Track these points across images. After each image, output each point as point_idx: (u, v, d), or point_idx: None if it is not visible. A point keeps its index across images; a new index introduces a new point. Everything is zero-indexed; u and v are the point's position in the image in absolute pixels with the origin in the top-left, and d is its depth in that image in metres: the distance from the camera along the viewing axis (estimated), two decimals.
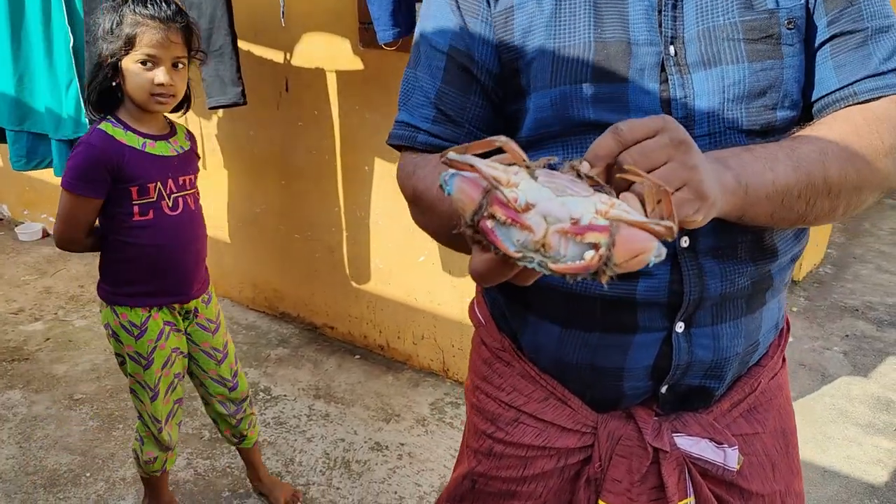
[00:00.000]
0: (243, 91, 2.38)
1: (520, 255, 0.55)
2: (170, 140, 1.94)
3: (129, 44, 1.78)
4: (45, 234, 4.20)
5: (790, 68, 0.91)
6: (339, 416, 2.80)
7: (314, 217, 3.16)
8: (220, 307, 2.19)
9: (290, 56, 2.97)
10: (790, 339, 3.37)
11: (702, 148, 0.80)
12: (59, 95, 2.50)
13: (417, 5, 2.05)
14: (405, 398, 2.91)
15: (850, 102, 0.92)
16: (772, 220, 0.85)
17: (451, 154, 0.59)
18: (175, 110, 1.94)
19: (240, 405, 2.20)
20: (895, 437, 2.68)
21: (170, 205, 1.91)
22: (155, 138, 1.90)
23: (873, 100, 0.91)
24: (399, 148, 1.04)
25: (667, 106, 0.90)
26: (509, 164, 0.60)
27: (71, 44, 2.44)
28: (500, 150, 0.62)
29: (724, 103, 0.90)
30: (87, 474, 2.49)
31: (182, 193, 1.94)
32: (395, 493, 2.41)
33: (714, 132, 0.90)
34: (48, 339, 3.29)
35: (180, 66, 1.84)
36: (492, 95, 0.98)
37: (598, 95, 0.91)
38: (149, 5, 1.80)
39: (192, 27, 1.86)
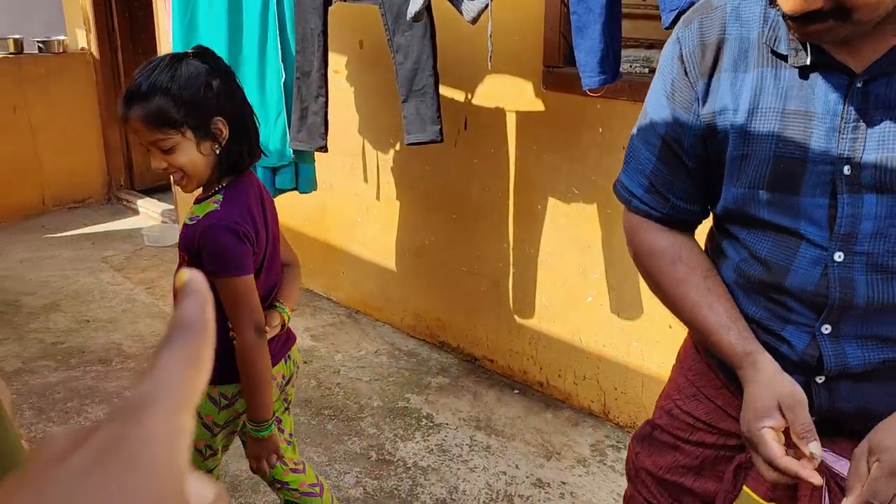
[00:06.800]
0: (441, 129, 2.50)
1: None
2: (195, 204, 1.77)
3: None
4: None
5: None
6: (500, 449, 2.84)
7: (482, 251, 3.25)
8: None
9: (471, 96, 3.09)
10: None
11: (855, 265, 0.98)
12: (267, 127, 2.71)
13: (623, 52, 2.11)
14: (565, 437, 2.92)
15: None
16: None
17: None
18: (230, 171, 1.73)
19: None
20: None
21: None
22: (196, 201, 1.78)
23: None
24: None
25: (833, 221, 1.01)
26: None
27: (282, 80, 2.65)
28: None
29: (890, 228, 0.98)
30: (265, 483, 2.63)
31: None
32: None
33: (872, 252, 0.99)
34: None
35: (171, 147, 1.65)
36: (695, 174, 1.16)
37: (771, 201, 1.05)
38: (126, 87, 1.67)
39: (161, 102, 1.62)
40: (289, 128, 2.66)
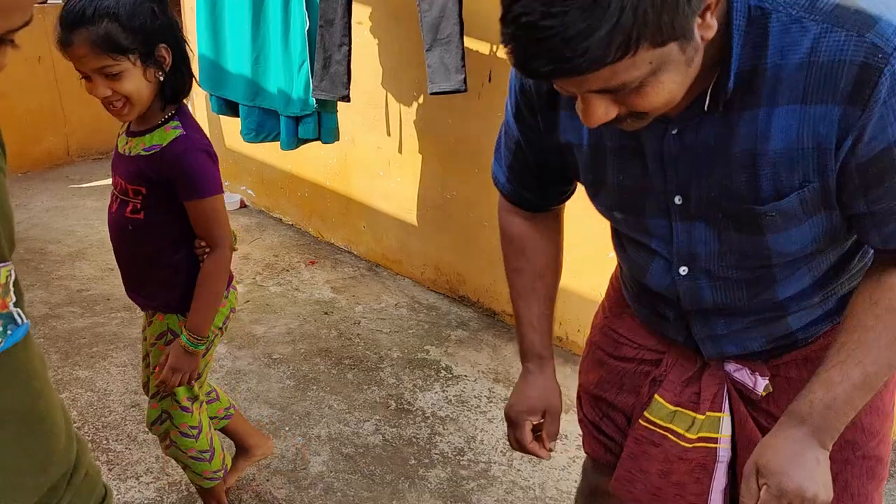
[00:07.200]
0: (465, 79, 2.48)
1: None
2: (135, 137, 1.75)
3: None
4: (243, 205, 4.53)
5: (777, 242, 1.05)
6: None
7: None
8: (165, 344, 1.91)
9: (496, 48, 3.05)
10: None
11: (698, 277, 1.14)
12: (290, 76, 2.70)
13: None
14: None
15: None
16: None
17: None
18: (174, 99, 1.73)
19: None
20: None
21: (111, 201, 1.84)
22: (131, 134, 1.76)
23: None
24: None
25: (672, 241, 1.13)
26: None
27: (306, 27, 2.63)
28: None
29: (719, 251, 1.10)
30: (286, 428, 2.68)
31: (118, 194, 1.80)
32: (576, 482, 2.44)
33: (711, 268, 1.12)
34: (248, 301, 3.56)
35: (118, 73, 1.60)
36: (544, 177, 1.28)
37: (625, 220, 1.18)
38: (63, 10, 1.57)
39: (110, 27, 1.56)
40: (312, 77, 2.65)
